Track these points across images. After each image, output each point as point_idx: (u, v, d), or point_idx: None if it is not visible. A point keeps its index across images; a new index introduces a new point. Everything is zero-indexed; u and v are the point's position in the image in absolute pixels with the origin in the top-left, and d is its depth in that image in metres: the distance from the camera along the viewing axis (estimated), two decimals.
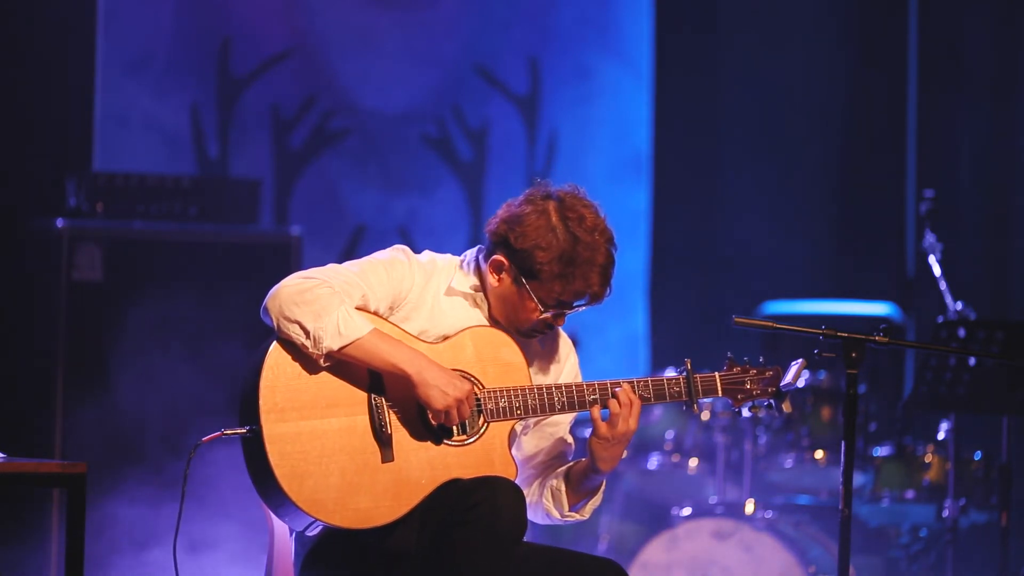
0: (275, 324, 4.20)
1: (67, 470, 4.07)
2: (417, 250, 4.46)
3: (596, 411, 4.32)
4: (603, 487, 4.47)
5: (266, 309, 4.22)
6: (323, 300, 4.18)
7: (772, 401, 4.47)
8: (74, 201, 7.19)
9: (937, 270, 7.05)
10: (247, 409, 4.20)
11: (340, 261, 4.41)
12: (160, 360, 6.98)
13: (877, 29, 9.36)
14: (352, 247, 8.77)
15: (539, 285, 4.32)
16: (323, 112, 8.83)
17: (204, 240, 7.20)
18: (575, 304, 4.35)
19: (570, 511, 4.45)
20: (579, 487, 4.43)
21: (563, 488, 4.43)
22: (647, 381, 4.39)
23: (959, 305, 6.94)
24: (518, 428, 4.40)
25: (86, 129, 7.89)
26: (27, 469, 4.10)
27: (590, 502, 4.46)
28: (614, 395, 4.32)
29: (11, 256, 7.18)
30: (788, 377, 4.45)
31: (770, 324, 4.62)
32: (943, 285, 7.02)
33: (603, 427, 4.31)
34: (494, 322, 4.41)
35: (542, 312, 4.33)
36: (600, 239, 4.32)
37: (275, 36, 8.69)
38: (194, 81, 8.53)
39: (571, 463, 4.46)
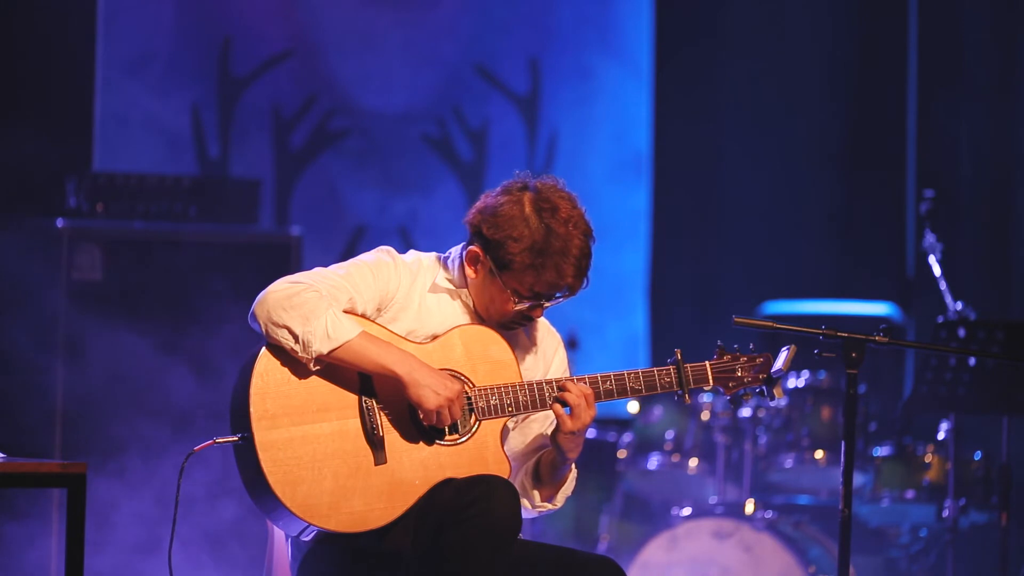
0: (263, 330, 4.19)
1: (67, 470, 4.07)
2: (417, 250, 4.46)
3: (559, 408, 4.31)
4: (572, 474, 4.46)
5: (254, 315, 4.21)
6: (311, 304, 4.17)
7: (764, 387, 4.46)
8: (74, 201, 7.19)
9: (937, 270, 7.04)
10: (238, 416, 4.19)
11: (340, 261, 4.40)
12: (160, 360, 6.98)
13: (877, 29, 9.36)
14: (352, 247, 8.77)
15: (511, 276, 4.30)
16: (323, 112, 8.83)
17: (204, 240, 7.19)
18: (551, 296, 4.33)
19: (542, 502, 4.45)
20: (551, 480, 4.43)
21: (528, 484, 4.43)
22: (638, 373, 4.38)
23: (959, 305, 6.93)
24: (510, 425, 4.39)
25: (86, 129, 7.89)
26: (27, 469, 4.10)
27: (561, 491, 4.46)
28: (567, 390, 4.29)
29: (11, 256, 7.17)
30: (779, 363, 4.44)
31: (770, 324, 4.62)
32: (943, 285, 7.02)
33: (568, 423, 4.30)
34: (478, 316, 4.40)
35: (516, 303, 4.32)
36: (574, 231, 4.29)
37: (275, 36, 8.70)
38: (194, 81, 8.53)
39: (537, 458, 4.46)
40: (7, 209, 7.28)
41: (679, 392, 4.41)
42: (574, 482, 4.49)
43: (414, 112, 9.00)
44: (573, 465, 4.46)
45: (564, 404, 4.30)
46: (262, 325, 4.18)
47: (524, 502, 4.43)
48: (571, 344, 8.23)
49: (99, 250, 7.04)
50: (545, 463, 4.43)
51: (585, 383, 4.33)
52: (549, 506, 4.47)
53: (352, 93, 8.87)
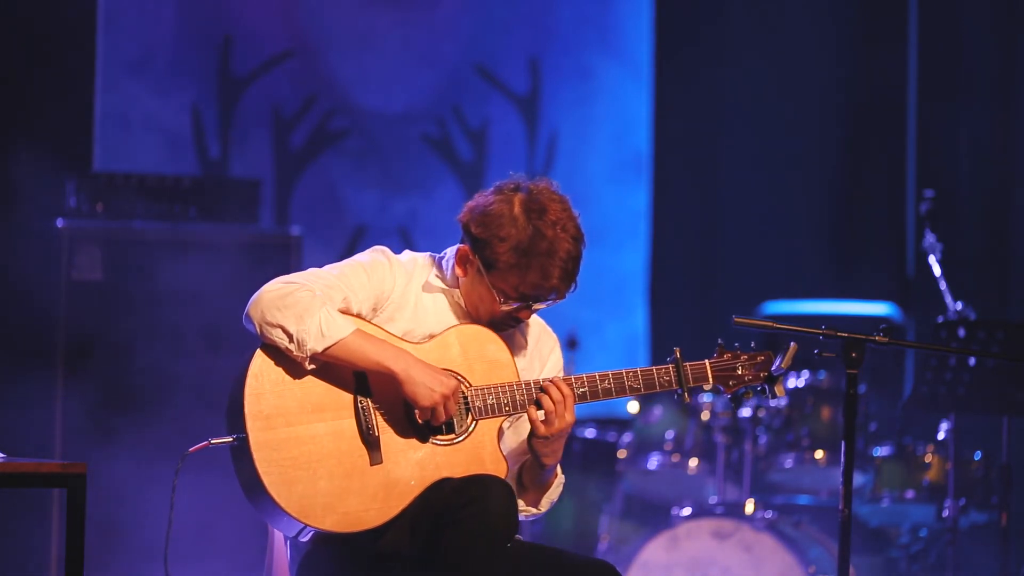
0: (258, 330, 4.18)
1: (67, 470, 4.07)
2: (416, 250, 4.46)
3: (533, 411, 4.28)
4: (557, 479, 4.44)
5: (248, 316, 4.20)
6: (304, 303, 4.16)
7: (765, 386, 4.44)
8: (74, 201, 7.19)
9: (937, 270, 7.04)
10: (233, 417, 4.19)
11: (340, 261, 4.40)
12: (160, 360, 6.98)
13: (877, 29, 9.36)
14: (352, 247, 8.77)
15: (497, 276, 4.28)
16: (323, 112, 8.83)
17: (204, 240, 7.19)
18: (537, 298, 4.30)
19: (526, 507, 4.43)
20: (533, 484, 4.41)
21: (514, 488, 4.40)
22: (636, 372, 4.35)
23: (959, 305, 6.93)
24: (505, 425, 4.38)
25: (86, 129, 7.89)
26: (27, 469, 4.10)
27: (546, 496, 4.44)
28: (545, 391, 4.27)
29: (11, 256, 7.17)
30: (780, 360, 4.42)
31: (770, 324, 4.62)
32: (943, 285, 7.02)
33: (541, 427, 4.27)
34: (469, 316, 4.38)
35: (503, 304, 4.30)
36: (562, 234, 4.26)
37: (275, 36, 8.70)
38: (194, 81, 8.53)
39: (521, 463, 4.44)
40: (8, 209, 7.28)
41: (679, 391, 4.38)
42: (560, 488, 4.46)
43: (414, 112, 9.00)
44: (559, 470, 4.44)
45: (540, 407, 4.28)
46: (256, 325, 4.18)
47: None
48: (571, 344, 8.22)
49: (99, 250, 7.04)
50: (528, 468, 4.41)
51: (571, 384, 4.30)
52: (533, 511, 4.45)
53: (352, 93, 8.87)
